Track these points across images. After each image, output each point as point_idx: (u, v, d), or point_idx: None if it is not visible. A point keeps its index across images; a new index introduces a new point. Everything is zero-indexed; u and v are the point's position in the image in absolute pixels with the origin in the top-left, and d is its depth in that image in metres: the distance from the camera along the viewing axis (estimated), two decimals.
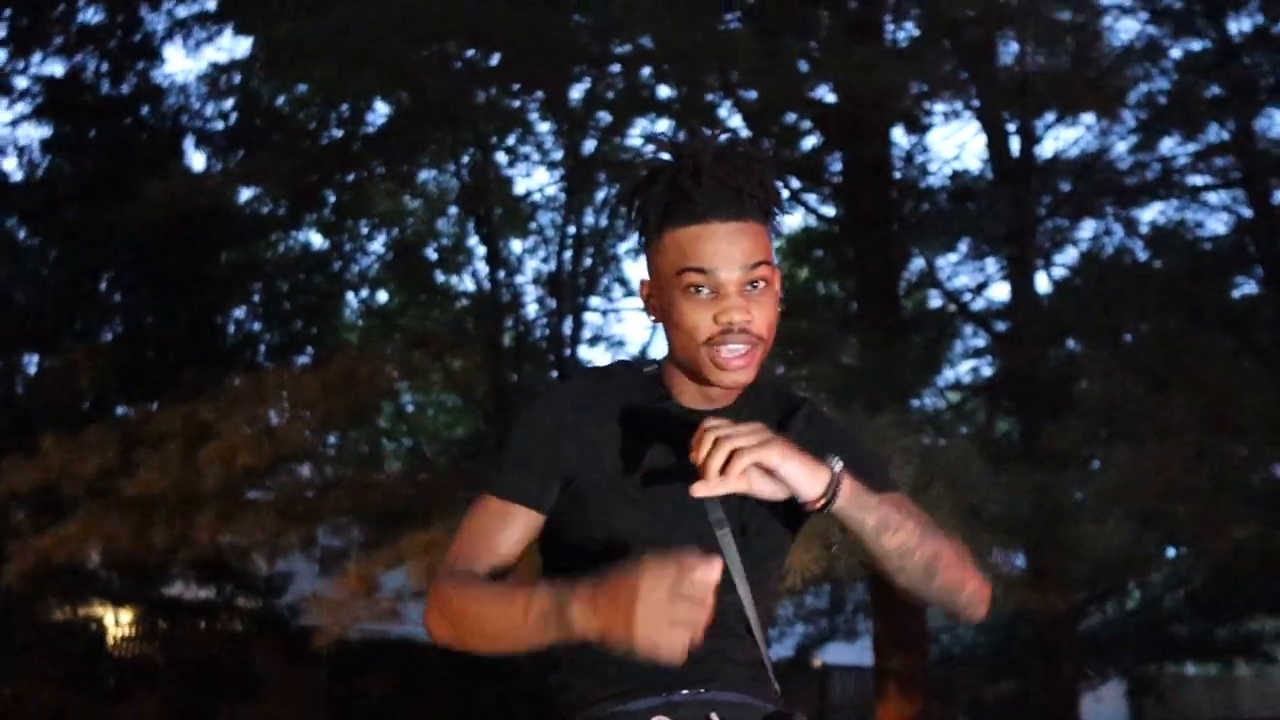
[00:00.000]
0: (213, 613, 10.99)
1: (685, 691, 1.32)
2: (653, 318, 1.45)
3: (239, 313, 11.65)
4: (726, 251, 1.35)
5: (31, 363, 10.12)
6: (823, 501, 1.28)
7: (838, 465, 1.31)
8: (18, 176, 10.57)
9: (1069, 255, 11.55)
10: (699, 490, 1.23)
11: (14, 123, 10.45)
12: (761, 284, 1.38)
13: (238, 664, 10.81)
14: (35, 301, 9.68)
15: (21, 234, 10.46)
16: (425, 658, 13.12)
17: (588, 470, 1.41)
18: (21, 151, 10.38)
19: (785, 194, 1.47)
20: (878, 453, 1.55)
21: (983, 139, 11.78)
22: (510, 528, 1.42)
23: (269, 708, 11.59)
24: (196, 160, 13.46)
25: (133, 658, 11.47)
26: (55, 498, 6.55)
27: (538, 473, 1.42)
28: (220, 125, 11.02)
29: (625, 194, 1.44)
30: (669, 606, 1.13)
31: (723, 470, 1.22)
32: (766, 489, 1.28)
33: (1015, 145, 11.56)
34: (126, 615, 11.42)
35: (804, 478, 1.27)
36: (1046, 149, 11.58)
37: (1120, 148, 11.17)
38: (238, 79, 10.79)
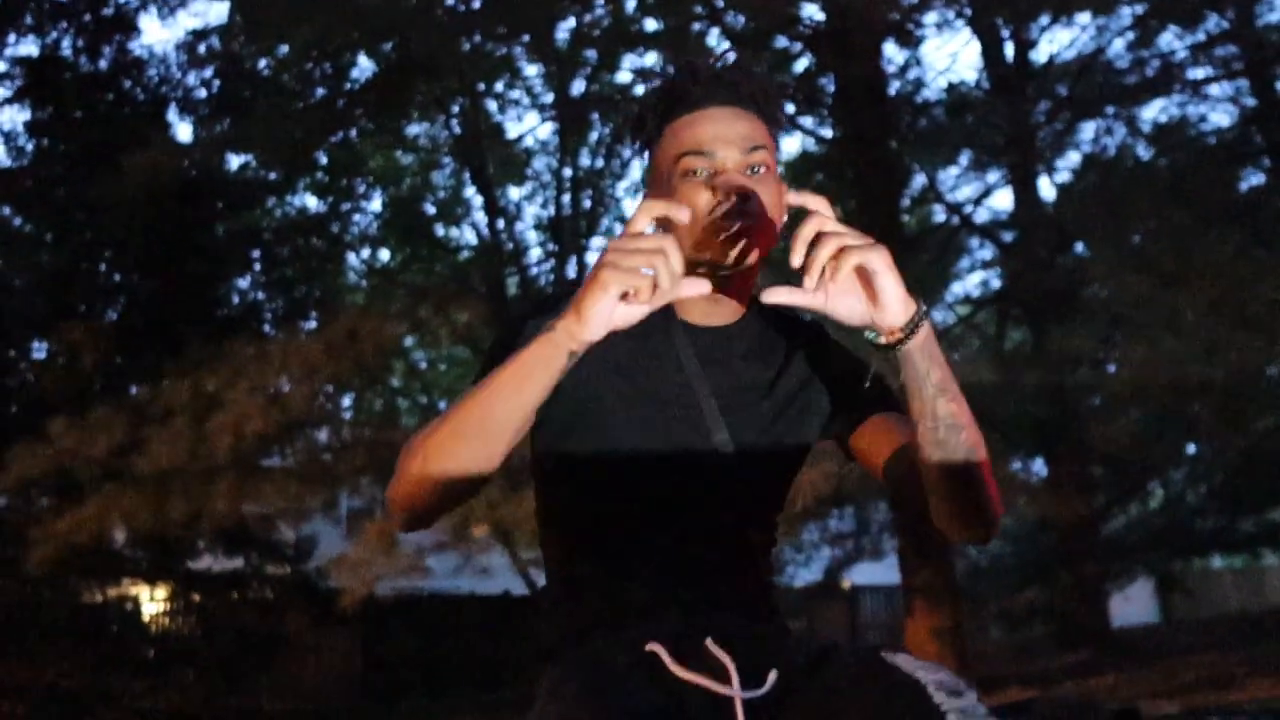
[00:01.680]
0: (243, 582, 11.09)
1: (679, 616, 1.28)
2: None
3: (241, 282, 11.62)
4: (724, 133, 1.32)
5: (38, 349, 10.13)
6: (903, 333, 1.17)
7: (924, 305, 1.20)
8: (6, 162, 10.51)
9: (1071, 159, 11.44)
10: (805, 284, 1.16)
11: None
12: (762, 168, 1.32)
13: (271, 631, 10.93)
14: (35, 286, 9.66)
15: (16, 220, 10.41)
16: (456, 611, 13.27)
17: (583, 378, 1.32)
18: (7, 136, 10.29)
19: (785, 110, 1.38)
20: (871, 369, 1.45)
21: (976, 47, 11.62)
22: None
23: (306, 671, 11.76)
24: (183, 131, 13.38)
25: (169, 633, 11.62)
26: (71, 481, 6.56)
27: None
28: (203, 93, 10.90)
29: (629, 116, 1.40)
30: (632, 244, 1.13)
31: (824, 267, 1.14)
32: (844, 307, 1.19)
33: (1010, 52, 11.37)
34: (160, 592, 11.55)
35: (896, 295, 1.16)
36: (1042, 53, 11.37)
37: (1118, 45, 10.98)
38: (217, 44, 10.65)
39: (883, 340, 1.20)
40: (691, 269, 1.32)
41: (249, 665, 11.23)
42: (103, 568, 9.66)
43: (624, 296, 1.14)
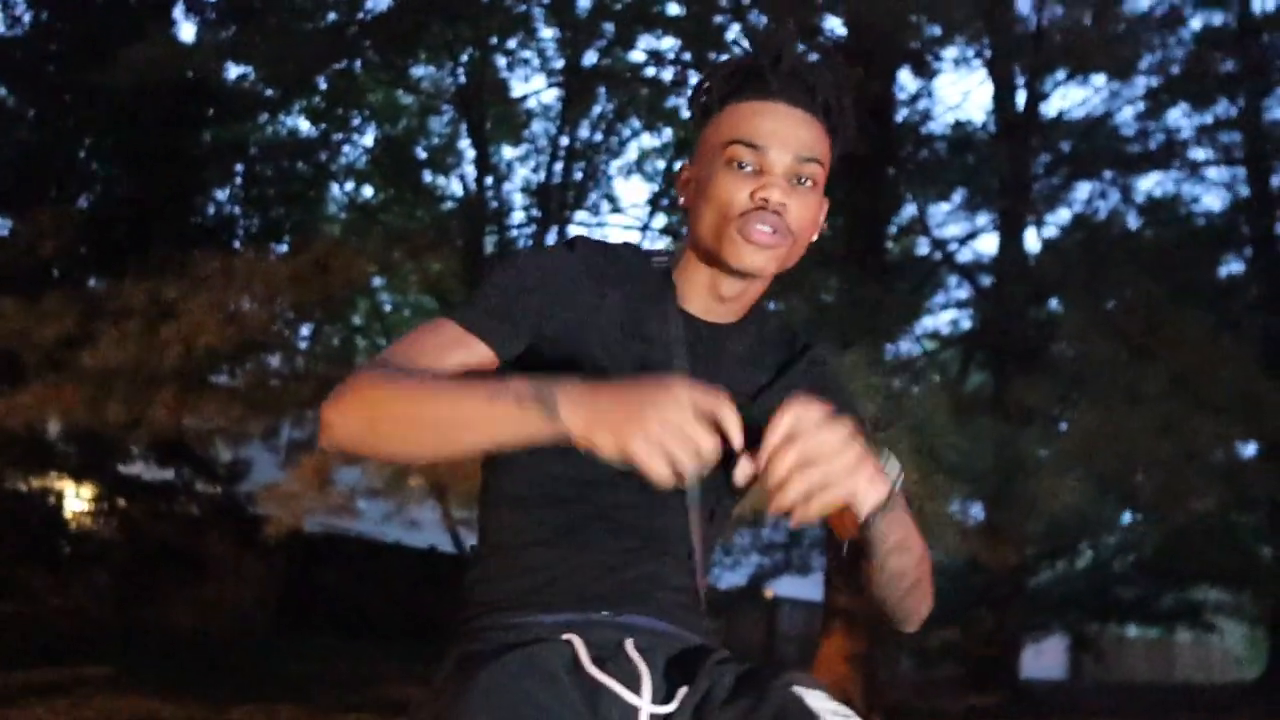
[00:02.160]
0: (170, 495, 10.95)
1: (605, 612, 1.24)
2: (683, 200, 1.36)
3: (220, 194, 11.44)
4: (783, 133, 1.27)
5: (0, 225, 9.91)
6: (874, 514, 1.15)
7: (895, 473, 1.19)
8: (0, 30, 10.25)
9: (1061, 216, 11.52)
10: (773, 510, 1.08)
11: None
12: (809, 182, 1.29)
13: (193, 548, 10.81)
14: (7, 161, 9.45)
15: (1, 91, 10.17)
16: (379, 558, 13.22)
17: (562, 340, 1.29)
18: (5, 4, 10.04)
19: (853, 125, 1.36)
20: (859, 418, 1.43)
21: (989, 89, 11.66)
22: (460, 356, 1.26)
23: (221, 592, 11.68)
24: (186, 31, 13.15)
25: (89, 532, 11.48)
26: (14, 363, 6.44)
27: (511, 318, 1.28)
28: None
29: (700, 81, 1.35)
30: (682, 425, 1.02)
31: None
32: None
33: (1021, 100, 11.44)
34: (86, 491, 11.40)
35: (871, 500, 1.14)
36: (1052, 107, 11.46)
37: (1126, 113, 11.09)
38: None
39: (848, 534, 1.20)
40: (704, 256, 1.33)
41: (166, 578, 11.13)
42: (31, 458, 9.49)
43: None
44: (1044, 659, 17.47)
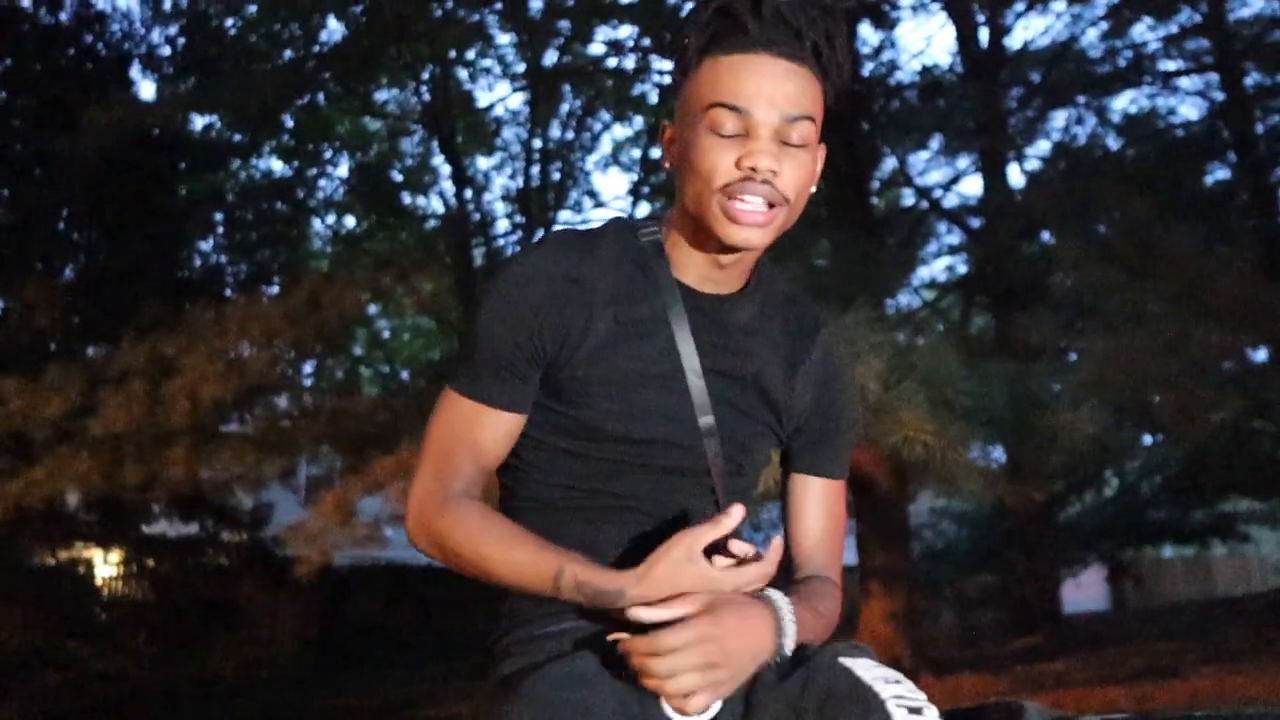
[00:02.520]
0: (198, 548, 10.98)
1: None
2: (668, 163, 1.26)
3: (203, 245, 11.45)
4: (769, 90, 1.15)
5: None
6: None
7: (787, 618, 1.15)
8: None
9: (1041, 147, 11.48)
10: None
11: None
12: (801, 142, 1.18)
13: (226, 597, 10.84)
14: None
15: None
16: (410, 581, 13.24)
17: (567, 354, 1.23)
18: None
19: (847, 64, 1.24)
20: (858, 430, 1.44)
21: (951, 31, 11.60)
22: (487, 434, 1.24)
23: (260, 637, 11.71)
24: (146, 89, 13.14)
25: (121, 597, 11.51)
26: (23, 441, 6.45)
27: (512, 370, 1.23)
28: (168, 50, 10.69)
29: (677, 28, 1.23)
30: (703, 666, 1.05)
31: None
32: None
33: (984, 37, 11.39)
34: (113, 556, 11.43)
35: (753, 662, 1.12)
36: (1016, 40, 11.41)
37: (1091, 35, 11.04)
38: (183, 1, 10.44)
39: None
40: (693, 225, 1.24)
41: (203, 631, 11.16)
42: (55, 531, 9.52)
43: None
44: (1084, 591, 17.47)
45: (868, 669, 1.09)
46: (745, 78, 1.16)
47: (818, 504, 1.38)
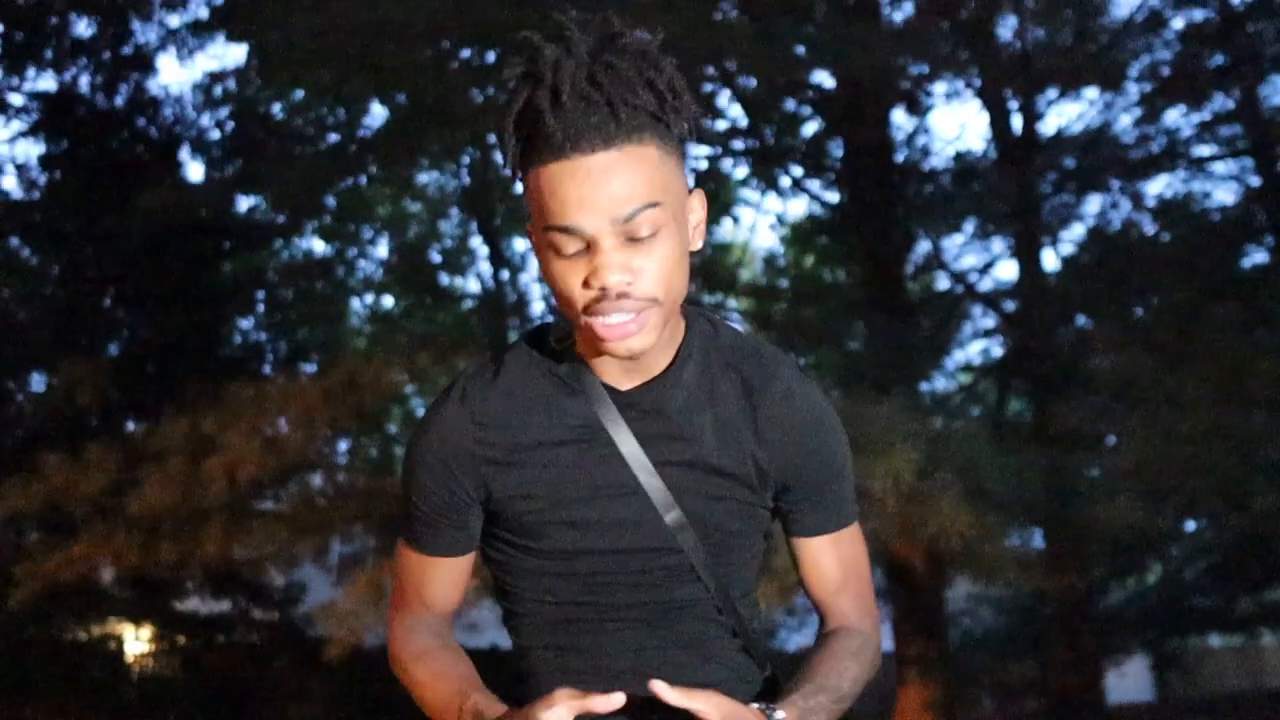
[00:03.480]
0: (229, 626, 10.99)
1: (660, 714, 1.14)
2: (537, 255, 1.16)
3: (244, 323, 11.65)
4: (591, 198, 1.05)
5: (38, 382, 10.12)
6: None
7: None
8: (18, 194, 10.57)
9: (1076, 232, 11.48)
10: None
11: (11, 140, 10.46)
12: (650, 231, 1.08)
13: (257, 676, 10.80)
14: (38, 319, 9.68)
15: (24, 252, 10.45)
16: None
17: (502, 494, 1.21)
18: (20, 169, 10.37)
19: (695, 109, 1.14)
20: (848, 467, 1.34)
21: (985, 118, 11.72)
22: (436, 579, 1.31)
23: (290, 716, 11.59)
24: (194, 170, 13.51)
25: (152, 674, 11.48)
26: (62, 517, 6.52)
27: (440, 521, 1.25)
28: (216, 134, 11.02)
29: (496, 129, 1.14)
30: None
31: None
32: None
33: (1017, 123, 11.48)
34: (144, 632, 11.43)
35: None
36: (1049, 125, 11.51)
37: (1124, 121, 11.09)
38: (233, 87, 10.77)
39: None
40: (586, 345, 1.19)
41: (233, 709, 11.08)
42: (88, 607, 9.56)
43: None
44: (1128, 681, 17.01)
45: None
46: (566, 190, 1.06)
47: (829, 558, 1.32)
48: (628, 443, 1.19)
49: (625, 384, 1.21)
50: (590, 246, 1.08)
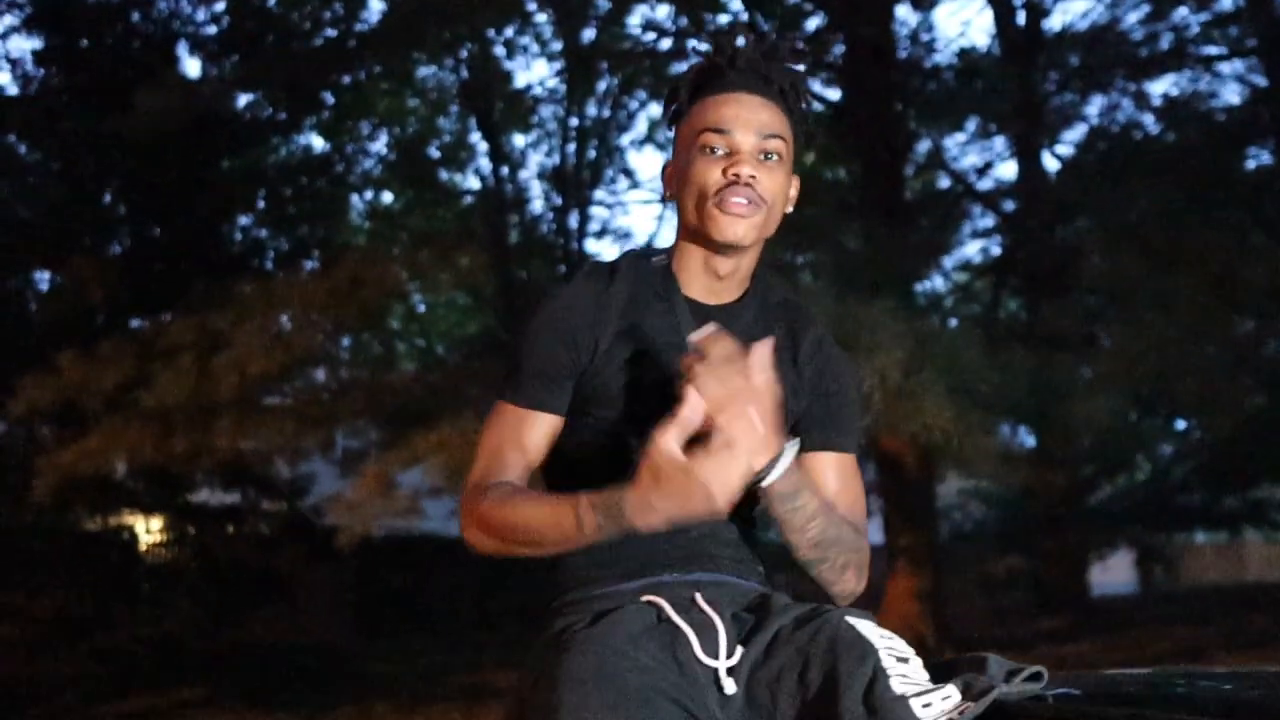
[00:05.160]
0: (239, 517, 11.26)
1: (674, 573, 1.40)
2: (668, 192, 1.51)
3: (244, 220, 11.65)
4: (746, 117, 1.43)
5: (41, 279, 10.18)
6: (757, 474, 1.32)
7: (790, 450, 1.34)
8: (13, 90, 10.50)
9: (1078, 132, 11.42)
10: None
11: (4, 35, 10.34)
12: (775, 157, 1.44)
13: (265, 565, 11.11)
14: (40, 217, 9.70)
15: (21, 149, 10.41)
16: (446, 553, 13.46)
17: (597, 364, 1.45)
18: (14, 64, 10.27)
19: (810, 105, 1.56)
20: (858, 407, 1.63)
21: (989, 14, 11.55)
22: (532, 434, 1.47)
23: (298, 606, 11.97)
24: (191, 66, 13.36)
25: (164, 563, 11.81)
26: (76, 412, 6.67)
27: (552, 378, 1.46)
28: (213, 29, 10.86)
29: (670, 88, 1.53)
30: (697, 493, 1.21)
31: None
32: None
33: (1022, 19, 11.34)
34: (156, 523, 11.72)
35: (750, 453, 1.27)
36: (1055, 22, 11.31)
37: (1131, 18, 10.95)
38: None
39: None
40: (693, 240, 1.49)
41: (243, 597, 11.43)
42: (104, 498, 9.81)
43: None
44: (1112, 575, 17.46)
45: (867, 627, 1.27)
46: (727, 108, 1.45)
47: (836, 477, 1.53)
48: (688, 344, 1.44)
49: (706, 301, 1.51)
50: (733, 150, 1.43)
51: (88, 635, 9.86)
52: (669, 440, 1.21)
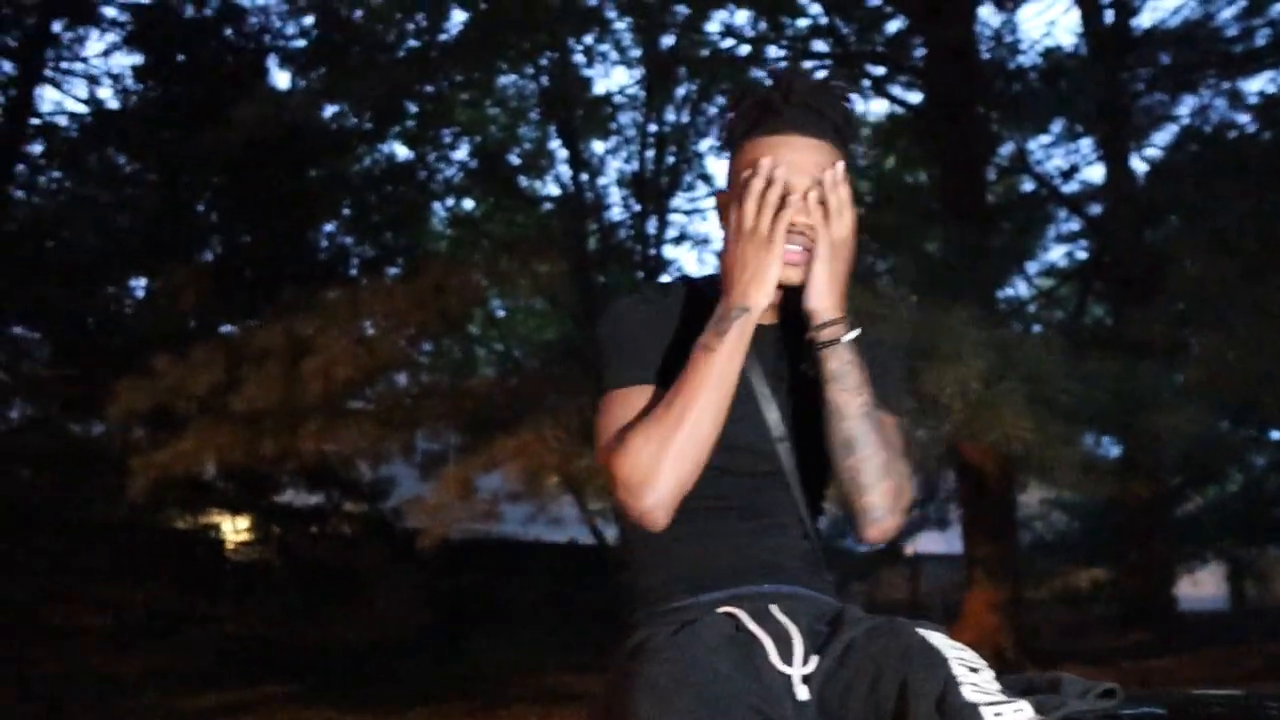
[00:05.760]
0: (322, 518, 11.52)
1: (748, 586, 1.44)
2: (724, 225, 1.53)
3: (330, 227, 11.92)
4: (799, 160, 1.46)
5: (137, 286, 10.54)
6: (819, 327, 1.44)
7: (851, 332, 1.45)
8: (113, 104, 10.88)
9: (1167, 133, 11.13)
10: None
11: (106, 52, 10.73)
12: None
13: (346, 565, 11.34)
14: (137, 226, 10.04)
15: (120, 160, 10.79)
16: (524, 556, 13.60)
17: (658, 369, 1.49)
18: (115, 79, 10.65)
19: (859, 134, 1.59)
20: (903, 386, 1.69)
21: (1076, 13, 11.33)
22: (642, 405, 1.47)
23: (377, 606, 12.20)
24: (280, 79, 13.71)
25: (250, 562, 12.13)
26: (169, 415, 6.90)
27: (643, 357, 1.50)
28: (302, 42, 11.14)
29: (723, 111, 1.58)
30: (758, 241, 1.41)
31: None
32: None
33: (1110, 17, 11.10)
34: (243, 522, 12.04)
35: (821, 286, 1.44)
36: (1145, 20, 11.03)
37: (1225, 14, 10.64)
38: None
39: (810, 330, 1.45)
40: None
41: (324, 596, 11.69)
42: (194, 498, 10.11)
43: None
44: (1202, 589, 16.96)
45: (939, 638, 1.29)
46: (780, 151, 1.47)
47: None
48: (753, 368, 1.51)
49: (760, 322, 1.50)
50: (785, 194, 1.45)
51: (175, 631, 10.16)
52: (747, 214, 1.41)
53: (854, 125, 1.53)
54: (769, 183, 1.42)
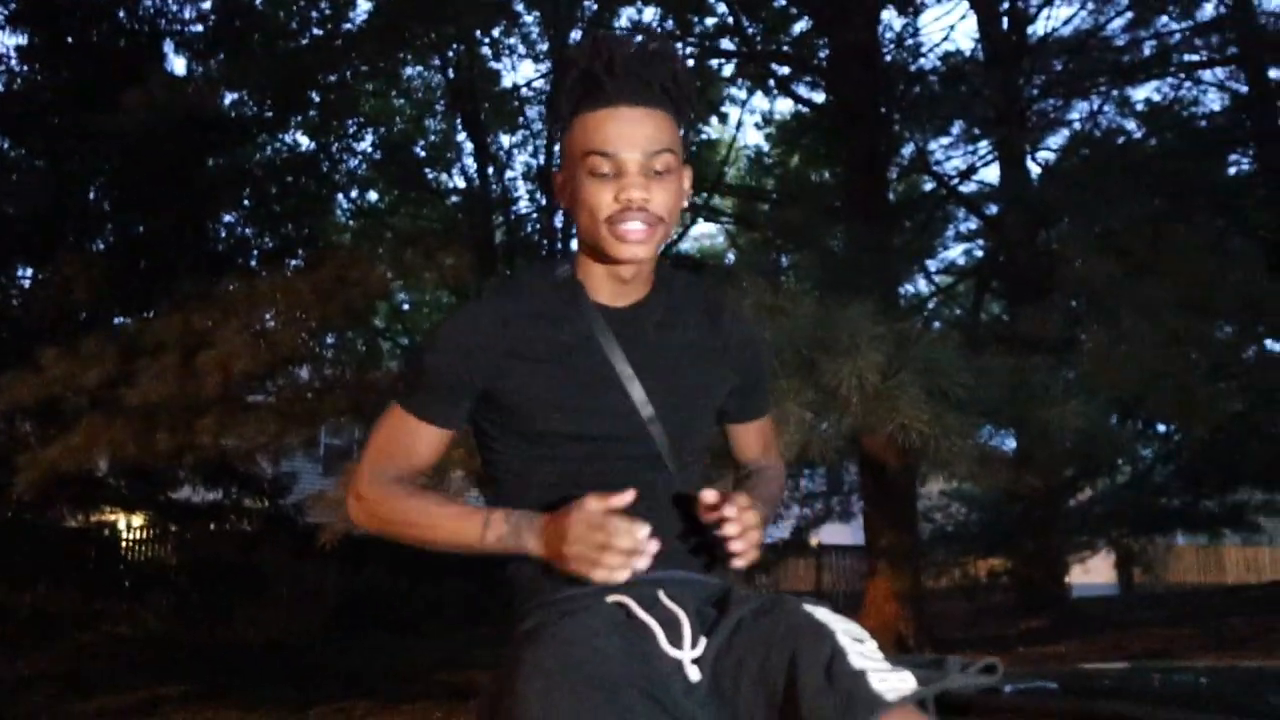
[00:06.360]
0: (221, 514, 11.24)
1: (638, 574, 1.42)
2: (563, 205, 1.53)
3: (230, 218, 11.64)
4: (630, 134, 1.42)
5: (25, 275, 10.14)
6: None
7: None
8: None
9: (1061, 136, 11.50)
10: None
11: None
12: (664, 170, 1.44)
13: (246, 563, 11.10)
14: (25, 213, 9.66)
15: (5, 145, 10.38)
16: (427, 553, 13.42)
17: (505, 380, 1.47)
18: None
19: (696, 101, 1.54)
20: (769, 367, 1.81)
21: (974, 19, 11.63)
22: (422, 442, 1.53)
23: (279, 603, 11.98)
24: (177, 64, 13.33)
25: (147, 560, 11.79)
26: (59, 409, 6.66)
27: (447, 395, 1.50)
28: (199, 28, 10.85)
29: (549, 96, 1.53)
30: (592, 547, 1.34)
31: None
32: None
33: (1006, 24, 11.41)
34: (138, 520, 11.69)
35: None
36: (1039, 28, 11.39)
37: (1114, 25, 11.03)
38: None
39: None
40: (593, 255, 1.51)
41: (224, 594, 11.42)
42: (86, 495, 9.78)
43: None
44: (1093, 576, 17.59)
45: (824, 612, 1.33)
46: (609, 126, 1.43)
47: (758, 438, 1.75)
48: (613, 350, 1.50)
49: (614, 304, 1.53)
50: (620, 171, 1.42)
51: (68, 632, 9.83)
52: (599, 507, 1.35)
53: (685, 86, 1.47)
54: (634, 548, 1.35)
